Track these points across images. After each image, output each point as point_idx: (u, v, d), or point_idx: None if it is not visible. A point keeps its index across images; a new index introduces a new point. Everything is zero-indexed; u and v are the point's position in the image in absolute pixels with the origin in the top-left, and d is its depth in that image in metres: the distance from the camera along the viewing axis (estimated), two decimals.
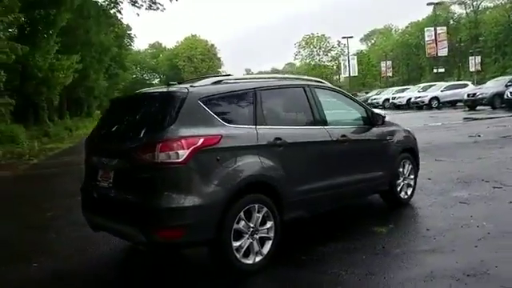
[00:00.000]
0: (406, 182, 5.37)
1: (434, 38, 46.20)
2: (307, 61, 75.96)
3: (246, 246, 3.51)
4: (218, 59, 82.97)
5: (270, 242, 3.69)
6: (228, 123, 3.58)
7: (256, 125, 3.74)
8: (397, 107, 29.43)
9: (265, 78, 4.44)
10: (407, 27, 72.61)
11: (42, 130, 20.37)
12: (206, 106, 3.49)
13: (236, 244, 3.43)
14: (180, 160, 3.19)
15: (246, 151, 3.57)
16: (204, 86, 3.73)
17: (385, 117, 5.31)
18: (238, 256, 3.44)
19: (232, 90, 3.82)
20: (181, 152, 3.20)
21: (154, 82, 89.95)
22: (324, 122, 4.37)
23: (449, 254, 3.72)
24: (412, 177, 5.48)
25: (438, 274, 3.29)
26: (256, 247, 3.58)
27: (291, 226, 4.00)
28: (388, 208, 5.22)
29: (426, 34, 48.27)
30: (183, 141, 3.23)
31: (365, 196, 5.24)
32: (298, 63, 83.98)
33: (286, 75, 5.51)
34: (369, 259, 3.70)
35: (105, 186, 3.69)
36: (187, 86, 3.65)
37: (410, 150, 5.49)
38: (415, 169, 5.54)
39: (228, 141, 3.46)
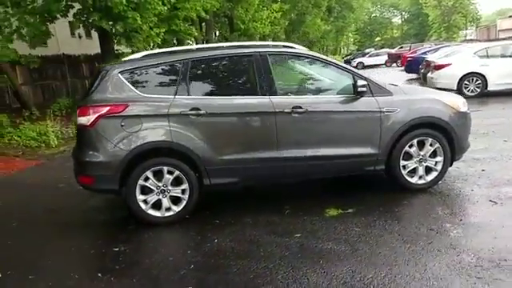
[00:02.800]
0: (423, 164, 4.49)
1: None
2: None
3: (153, 201, 4.05)
4: None
5: (185, 202, 4.10)
6: (144, 93, 4.03)
7: (176, 95, 4.05)
8: None
9: (210, 48, 4.46)
10: None
11: None
12: (125, 78, 4.02)
13: (142, 198, 4.03)
14: (88, 124, 3.95)
15: (155, 119, 3.98)
16: (131, 59, 4.24)
17: (396, 85, 4.46)
18: (143, 207, 4.04)
19: (157, 62, 4.14)
20: (89, 117, 3.94)
21: (393, 21, 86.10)
22: (271, 92, 4.17)
23: None
24: (438, 159, 4.51)
25: None
26: (166, 204, 4.07)
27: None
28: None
29: None
30: (91, 109, 3.95)
31: (344, 173, 4.66)
32: None
33: (247, 43, 5.12)
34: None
35: None
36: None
37: (433, 126, 4.47)
38: (445, 150, 4.50)
39: (135, 109, 3.96)
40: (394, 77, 19.04)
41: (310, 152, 4.25)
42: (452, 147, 4.58)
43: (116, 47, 13.06)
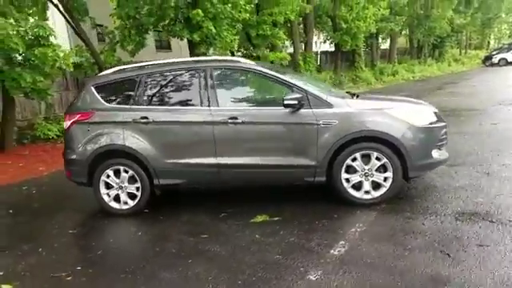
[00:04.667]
0: (369, 179, 4.36)
1: None
2: None
3: (114, 195, 4.81)
4: None
5: (137, 198, 4.77)
6: (109, 103, 4.81)
7: (131, 105, 4.74)
8: None
9: (165, 64, 4.94)
10: None
11: (352, 75, 22.89)
12: (96, 90, 4.86)
13: (106, 191, 4.82)
14: (66, 128, 4.91)
15: (112, 125, 4.72)
16: (104, 74, 5.05)
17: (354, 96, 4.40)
18: (106, 200, 4.82)
19: (120, 77, 4.87)
20: (67, 123, 4.90)
21: None
22: (211, 104, 4.54)
23: None
24: (387, 175, 4.33)
25: None
26: (124, 198, 4.80)
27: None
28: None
29: None
30: (68, 115, 4.91)
31: (284, 183, 4.69)
32: None
33: (195, 58, 5.27)
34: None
35: None
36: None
37: (377, 140, 4.29)
38: (394, 166, 4.29)
39: (98, 117, 4.76)
40: None
41: (246, 160, 4.50)
42: (404, 163, 4.30)
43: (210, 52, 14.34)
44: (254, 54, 16.47)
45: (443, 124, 4.63)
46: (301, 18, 20.29)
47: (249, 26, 15.08)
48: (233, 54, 18.81)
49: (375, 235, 3.71)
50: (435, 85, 19.31)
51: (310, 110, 4.38)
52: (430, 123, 4.46)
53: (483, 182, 4.84)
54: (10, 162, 8.29)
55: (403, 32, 30.68)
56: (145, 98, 4.76)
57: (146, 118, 4.64)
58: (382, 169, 4.37)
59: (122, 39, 12.39)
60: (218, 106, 4.56)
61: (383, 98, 5.41)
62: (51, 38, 8.50)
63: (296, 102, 4.31)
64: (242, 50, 17.90)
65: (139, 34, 12.52)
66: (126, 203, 4.81)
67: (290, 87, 4.46)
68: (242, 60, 4.82)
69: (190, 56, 13.61)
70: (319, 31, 24.10)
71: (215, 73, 4.65)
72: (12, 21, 7.74)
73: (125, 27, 12.45)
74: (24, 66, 8.22)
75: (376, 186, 4.40)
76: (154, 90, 4.81)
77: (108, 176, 4.78)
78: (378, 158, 4.34)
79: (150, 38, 13.10)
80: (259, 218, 4.33)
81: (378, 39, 27.37)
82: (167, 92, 4.83)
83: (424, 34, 30.32)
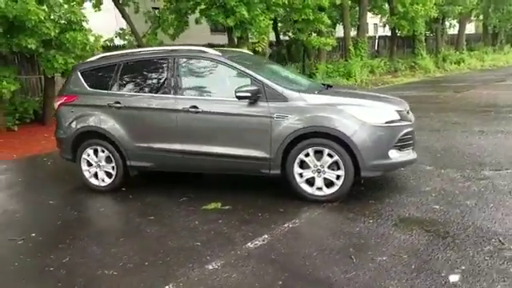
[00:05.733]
0: (321, 175, 4.31)
1: None
2: None
3: (94, 172, 5.21)
4: None
5: (113, 176, 5.14)
6: (91, 88, 5.18)
7: (109, 90, 5.07)
8: None
9: (140, 53, 5.16)
10: None
11: (411, 61, 21.69)
12: (81, 75, 5.27)
13: (86, 168, 5.24)
14: (55, 109, 5.38)
15: (91, 108, 5.10)
16: (90, 60, 5.40)
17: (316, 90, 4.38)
18: (87, 176, 5.25)
19: (103, 64, 5.21)
20: (56, 104, 5.37)
21: None
22: (176, 92, 4.72)
23: None
24: (339, 173, 4.26)
25: None
26: (101, 175, 5.19)
27: None
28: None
29: None
30: (57, 98, 5.37)
31: (241, 173, 4.73)
32: None
33: (169, 47, 5.25)
34: None
35: None
36: None
37: (329, 136, 4.21)
38: (346, 164, 4.21)
39: (81, 100, 5.17)
40: None
41: (205, 148, 4.65)
42: (356, 162, 4.19)
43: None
44: (300, 39, 16.25)
45: (406, 124, 4.41)
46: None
47: (293, 10, 14.88)
48: (278, 38, 18.79)
49: (302, 233, 3.72)
50: (500, 76, 17.72)
51: (266, 103, 4.40)
52: (387, 122, 4.27)
53: (459, 188, 4.55)
54: (47, 134, 9.16)
55: (475, 17, 28.24)
56: (120, 84, 5.07)
57: (118, 102, 4.95)
58: (336, 166, 4.28)
59: (161, 23, 12.92)
60: (181, 94, 4.75)
61: (348, 94, 5.23)
62: (84, 24, 9.19)
63: (248, 94, 4.34)
64: (290, 34, 17.73)
65: (178, 18, 12.96)
66: (103, 180, 5.20)
67: (250, 79, 4.49)
68: (208, 50, 4.89)
69: (228, 41, 13.87)
70: (376, 15, 22.99)
71: (181, 62, 4.82)
72: (45, 7, 8.42)
73: (165, 11, 12.96)
74: (59, 48, 8.97)
75: (330, 183, 4.33)
76: (128, 77, 5.11)
77: (88, 155, 5.19)
78: (330, 155, 4.26)
79: (203, 21, 13.45)
80: (211, 206, 4.48)
81: (443, 24, 25.49)
82: (139, 79, 5.11)
83: (501, 18, 27.72)
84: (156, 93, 4.92)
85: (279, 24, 18.16)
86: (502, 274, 2.81)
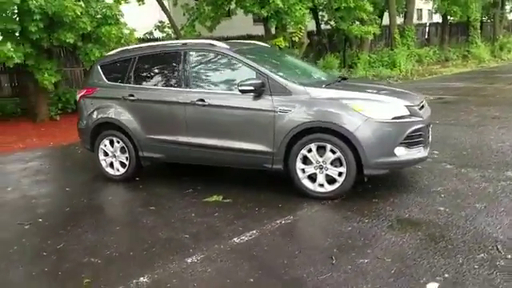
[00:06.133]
0: (323, 172, 4.22)
1: None
2: None
3: (110, 161, 5.43)
4: None
5: (126, 166, 5.32)
6: (109, 81, 5.37)
7: (125, 83, 5.23)
8: None
9: (153, 46, 5.24)
10: None
11: (463, 50, 20.47)
12: (101, 69, 5.48)
13: (103, 158, 5.45)
14: (78, 101, 5.64)
15: (108, 100, 5.29)
16: (110, 54, 5.58)
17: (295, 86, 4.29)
18: (103, 165, 5.46)
19: (120, 58, 5.37)
20: (78, 96, 5.64)
21: None
22: (187, 85, 4.79)
23: None
24: (341, 170, 4.15)
25: None
26: (116, 165, 5.39)
27: None
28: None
29: None
30: (79, 90, 5.62)
31: (246, 167, 4.70)
32: None
33: (181, 41, 5.19)
34: None
35: None
36: None
37: (331, 132, 4.09)
38: (348, 160, 4.08)
39: (100, 93, 5.38)
40: None
41: (212, 141, 4.68)
42: (358, 159, 4.04)
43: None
44: (341, 28, 15.82)
45: (416, 120, 4.16)
46: None
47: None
48: (318, 28, 18.34)
49: (291, 230, 3.67)
50: None
51: (270, 97, 4.35)
52: (394, 118, 4.06)
53: (473, 189, 4.26)
54: None
55: None
56: (134, 77, 5.21)
57: (132, 95, 5.11)
58: (338, 163, 4.16)
59: (198, 15, 13.07)
60: (190, 87, 4.80)
61: (358, 87, 4.97)
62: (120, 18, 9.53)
63: (251, 87, 4.30)
64: (332, 22, 17.29)
65: (215, 10, 13.04)
66: (118, 170, 5.40)
67: (256, 72, 4.45)
68: (217, 43, 4.88)
69: (265, 32, 13.78)
70: (427, 1, 21.82)
71: (190, 55, 4.86)
72: (81, 3, 8.81)
73: (202, 3, 13.10)
74: (96, 42, 9.39)
75: (332, 179, 4.21)
76: (142, 70, 5.25)
77: (105, 145, 5.41)
78: (332, 151, 4.14)
79: (239, 12, 13.52)
80: (213, 198, 4.52)
81: (503, 8, 23.67)
82: (152, 72, 5.24)
83: None
84: (167, 86, 5.01)
85: (320, 13, 17.75)
86: (487, 285, 2.62)
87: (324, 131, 4.14)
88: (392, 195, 4.25)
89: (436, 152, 5.51)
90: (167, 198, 4.66)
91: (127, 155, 5.27)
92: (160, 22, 13.57)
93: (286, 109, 4.27)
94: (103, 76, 5.45)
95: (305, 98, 4.25)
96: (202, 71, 4.91)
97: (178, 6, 13.62)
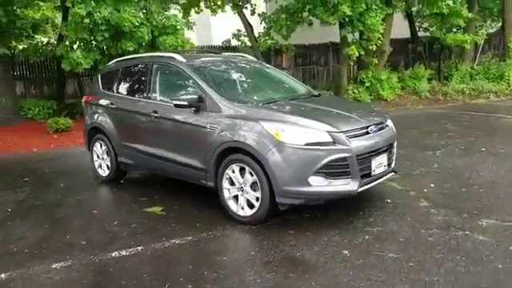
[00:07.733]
0: (244, 195, 4.03)
1: None
2: None
3: (97, 164, 5.87)
4: None
5: (110, 169, 5.72)
6: (103, 90, 5.84)
7: (111, 92, 5.64)
8: None
9: (132, 58, 5.57)
10: None
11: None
12: (100, 78, 6.00)
13: (95, 159, 5.95)
14: (83, 106, 6.25)
15: (99, 107, 5.75)
16: (108, 65, 6.03)
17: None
18: (96, 166, 5.95)
19: (111, 68, 5.81)
20: (83, 101, 6.24)
21: None
22: (149, 96, 5.00)
23: None
24: (257, 194, 3.90)
25: None
26: (104, 167, 5.83)
27: None
28: None
29: None
30: (83, 97, 6.23)
31: (192, 181, 4.56)
32: None
33: (151, 54, 5.08)
34: None
35: None
36: None
37: (247, 153, 3.85)
38: (262, 185, 3.81)
39: (93, 100, 5.89)
40: None
41: (161, 152, 4.80)
42: (270, 185, 3.73)
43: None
44: (435, 36, 14.29)
45: (339, 148, 3.64)
46: None
47: (424, 3, 13.17)
48: (414, 35, 16.74)
49: (172, 253, 3.54)
50: None
51: (205, 113, 4.28)
52: (308, 144, 3.61)
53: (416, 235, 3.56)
54: None
55: None
56: (116, 86, 5.60)
57: (112, 103, 5.49)
58: (257, 186, 3.87)
59: (273, 24, 13.13)
60: (150, 99, 4.97)
61: (302, 108, 4.44)
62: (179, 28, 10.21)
63: (185, 102, 4.29)
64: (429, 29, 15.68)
65: (290, 18, 12.96)
66: (104, 171, 5.84)
67: (197, 88, 4.44)
68: (177, 56, 4.90)
69: (340, 39, 13.20)
70: None
71: (155, 67, 5.04)
72: (141, 14, 9.66)
73: (277, 12, 13.14)
74: (154, 50, 10.18)
75: (251, 204, 3.95)
76: (122, 81, 5.60)
77: (96, 147, 5.90)
78: (251, 174, 3.88)
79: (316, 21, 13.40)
80: (154, 209, 4.59)
81: None
82: (128, 83, 5.55)
83: None
84: (137, 96, 5.27)
85: (419, 19, 16.25)
86: None
87: (244, 152, 3.91)
88: (313, 229, 3.78)
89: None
90: (121, 204, 4.90)
91: (110, 158, 5.67)
92: (238, 30, 14.00)
93: (215, 126, 4.15)
94: (100, 84, 5.96)
95: (230, 116, 4.07)
96: (161, 83, 5.03)
97: (253, 16, 13.88)
